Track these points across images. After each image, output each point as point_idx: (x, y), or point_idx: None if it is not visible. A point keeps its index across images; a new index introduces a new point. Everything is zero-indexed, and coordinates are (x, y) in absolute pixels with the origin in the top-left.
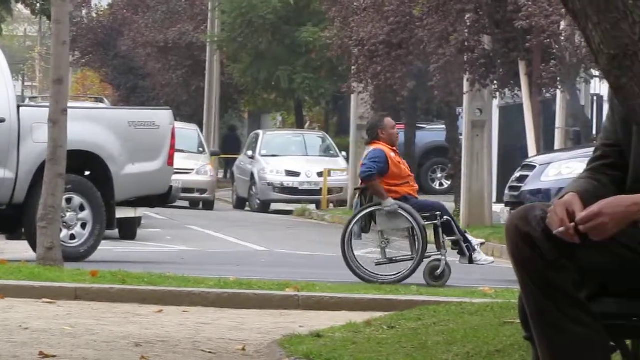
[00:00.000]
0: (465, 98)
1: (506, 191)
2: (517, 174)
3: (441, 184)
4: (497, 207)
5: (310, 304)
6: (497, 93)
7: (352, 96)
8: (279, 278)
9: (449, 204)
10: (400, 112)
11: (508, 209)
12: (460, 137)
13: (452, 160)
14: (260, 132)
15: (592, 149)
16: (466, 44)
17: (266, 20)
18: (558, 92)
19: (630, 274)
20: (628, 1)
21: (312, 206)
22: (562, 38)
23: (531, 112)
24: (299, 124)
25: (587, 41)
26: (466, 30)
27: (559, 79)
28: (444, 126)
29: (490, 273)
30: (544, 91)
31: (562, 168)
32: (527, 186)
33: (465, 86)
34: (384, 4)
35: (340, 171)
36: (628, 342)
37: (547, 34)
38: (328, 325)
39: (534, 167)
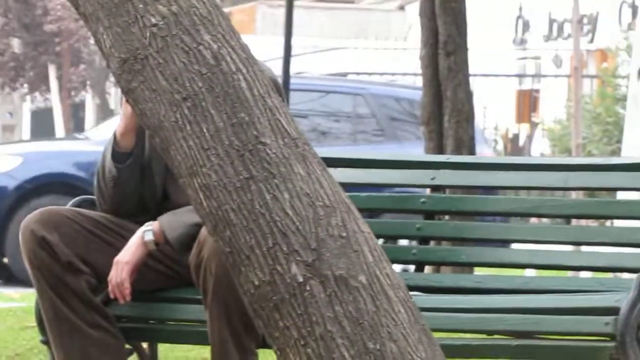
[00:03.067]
0: None
1: None
2: None
3: None
4: None
5: None
6: (28, 96)
7: None
8: None
9: None
10: None
11: None
12: None
13: None
14: None
15: None
16: None
17: None
18: (88, 95)
19: (144, 277)
20: (139, 5)
21: None
22: (92, 42)
23: (62, 115)
24: None
25: (99, 45)
26: None
27: (88, 82)
28: None
29: None
30: (74, 94)
31: None
32: None
33: None
34: None
35: None
36: (145, 344)
37: (77, 37)
38: None
39: None
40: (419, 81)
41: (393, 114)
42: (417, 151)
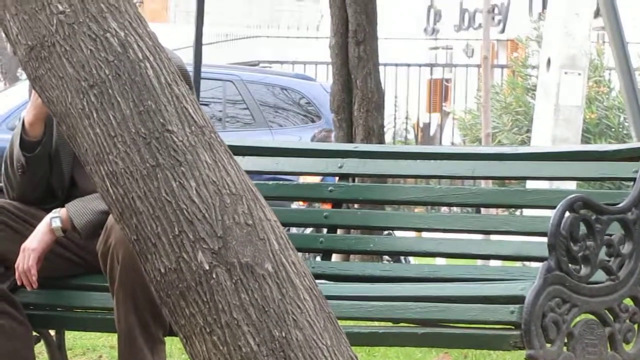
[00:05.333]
0: None
1: None
2: None
3: None
4: None
5: None
6: None
7: None
8: None
9: None
10: None
11: None
12: None
13: None
14: None
15: None
16: None
17: None
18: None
19: (51, 264)
20: None
21: None
22: None
23: None
24: None
25: (6, 32)
26: None
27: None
28: None
29: None
30: None
31: None
32: None
33: None
34: None
35: None
36: (52, 331)
37: None
38: None
39: None
40: (330, 70)
41: (264, 101)
42: (287, 138)
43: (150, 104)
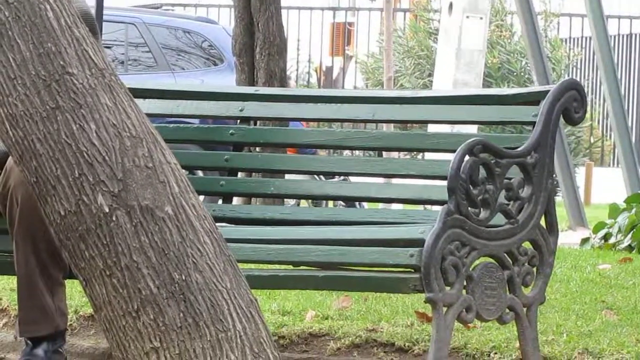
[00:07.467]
0: None
1: None
2: None
3: None
4: None
5: None
6: None
7: None
8: None
9: None
10: None
11: None
12: None
13: None
14: None
15: None
16: None
17: None
18: None
19: None
20: None
21: None
22: None
23: None
24: None
25: None
26: None
27: None
28: None
29: None
30: None
31: None
32: None
33: None
34: None
35: None
36: None
37: None
38: None
39: None
40: (233, 13)
41: (166, 44)
42: (189, 82)
43: (50, 46)
